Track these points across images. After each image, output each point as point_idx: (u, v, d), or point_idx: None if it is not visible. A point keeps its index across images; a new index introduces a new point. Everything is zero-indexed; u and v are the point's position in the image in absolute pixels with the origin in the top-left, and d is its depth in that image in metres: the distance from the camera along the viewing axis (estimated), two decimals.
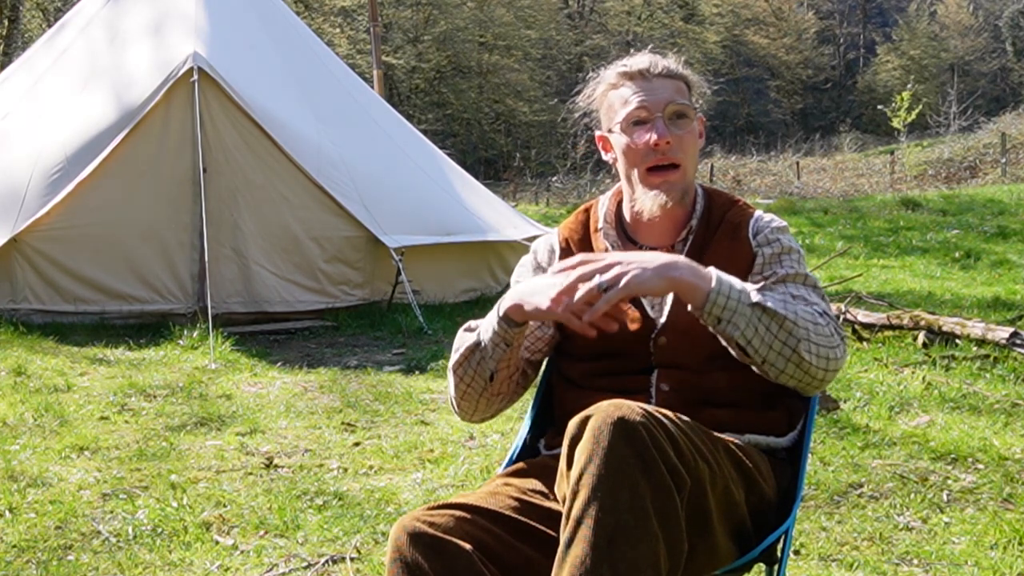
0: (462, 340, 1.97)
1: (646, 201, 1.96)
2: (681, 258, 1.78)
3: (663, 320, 1.94)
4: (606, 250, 2.03)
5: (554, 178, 27.64)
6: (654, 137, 1.92)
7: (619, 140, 1.98)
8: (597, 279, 1.71)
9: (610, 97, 2.00)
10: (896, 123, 27.17)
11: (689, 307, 1.79)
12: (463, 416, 2.03)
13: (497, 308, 1.88)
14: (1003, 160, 24.13)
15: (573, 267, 1.75)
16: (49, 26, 16.82)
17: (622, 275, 1.71)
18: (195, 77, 7.48)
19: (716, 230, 1.99)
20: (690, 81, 2.02)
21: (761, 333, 1.77)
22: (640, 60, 1.99)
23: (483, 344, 1.91)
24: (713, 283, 1.75)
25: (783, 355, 1.78)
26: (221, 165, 7.60)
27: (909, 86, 29.09)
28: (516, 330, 1.87)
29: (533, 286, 1.83)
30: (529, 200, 24.89)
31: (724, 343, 1.82)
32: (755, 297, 1.77)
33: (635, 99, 1.95)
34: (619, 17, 42.85)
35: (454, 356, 1.97)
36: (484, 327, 1.92)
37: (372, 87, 10.75)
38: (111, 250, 7.45)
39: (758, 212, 2.04)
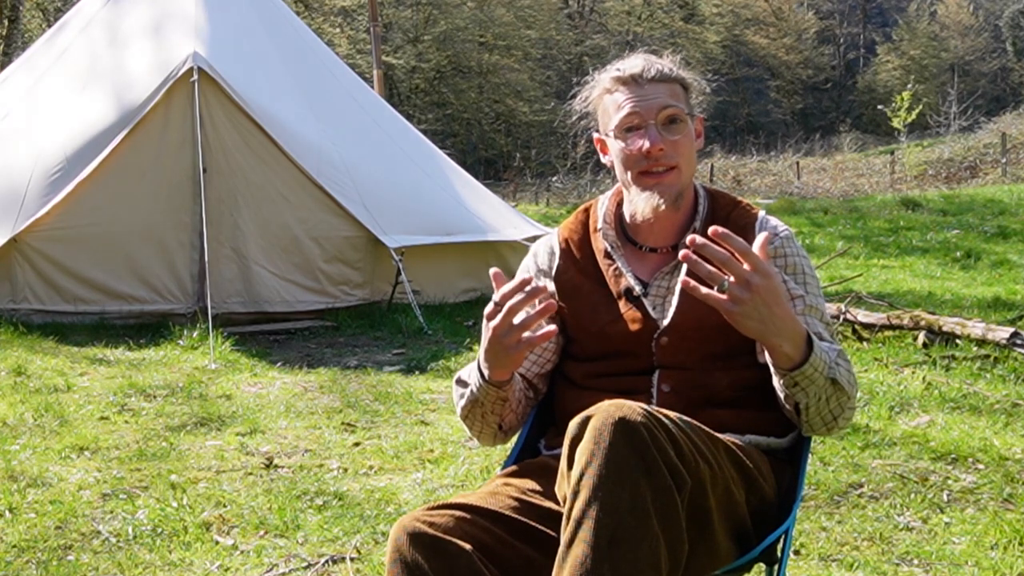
0: (458, 395, 2.00)
1: (640, 203, 1.96)
2: (794, 326, 1.72)
3: (666, 321, 1.93)
4: (605, 251, 2.03)
5: (554, 178, 27.63)
6: (647, 144, 1.92)
7: (614, 145, 1.99)
8: (725, 280, 1.66)
9: (605, 101, 2.00)
10: (896, 123, 27.17)
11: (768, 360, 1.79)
12: (484, 445, 2.11)
13: (479, 371, 1.90)
14: (1003, 160, 24.13)
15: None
16: (49, 26, 16.81)
17: (742, 299, 1.65)
18: (195, 77, 7.48)
19: None
20: (686, 83, 2.01)
21: (821, 402, 1.81)
22: (634, 64, 1.98)
23: (480, 401, 1.94)
24: (811, 356, 1.74)
25: (824, 420, 1.84)
26: (221, 165, 7.60)
27: (909, 86, 29.09)
28: (507, 386, 1.91)
29: (487, 353, 1.83)
30: (529, 200, 24.88)
31: (778, 390, 1.84)
32: (834, 371, 1.79)
33: (628, 105, 1.95)
34: (619, 17, 42.83)
35: (457, 409, 2.01)
36: (474, 384, 1.93)
37: (372, 87, 10.75)
38: (111, 250, 7.45)
39: (762, 214, 2.03)
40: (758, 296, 1.66)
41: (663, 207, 1.94)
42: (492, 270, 1.83)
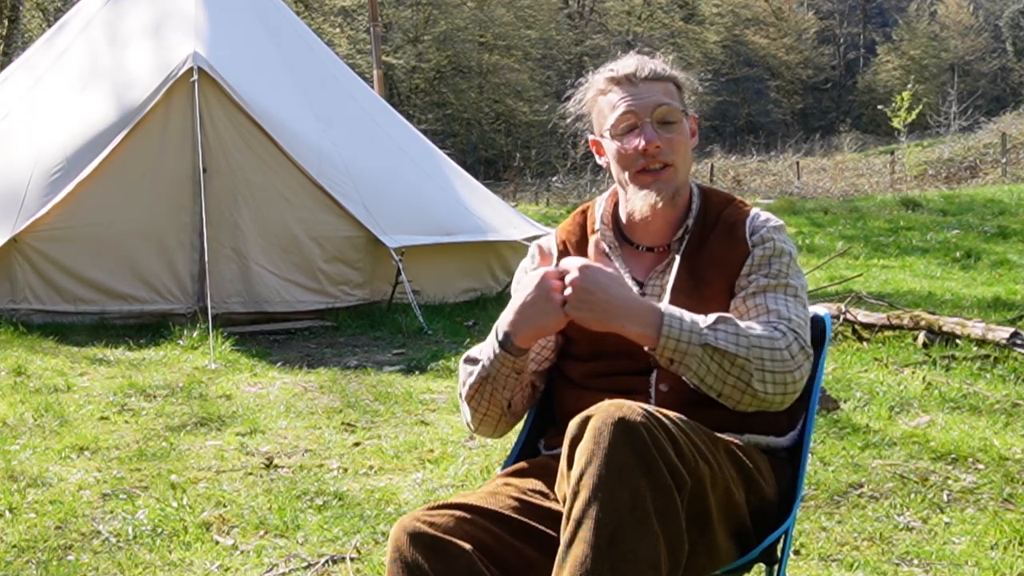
0: (467, 373, 1.96)
1: (637, 201, 1.97)
2: (631, 306, 1.79)
3: None
4: (604, 252, 2.03)
5: (554, 178, 27.63)
6: (642, 142, 1.93)
7: (610, 145, 2.00)
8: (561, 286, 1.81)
9: (599, 103, 2.01)
10: (896, 123, 27.16)
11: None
12: (482, 436, 2.08)
13: (496, 339, 1.87)
14: (1003, 160, 24.14)
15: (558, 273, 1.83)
16: (49, 26, 16.81)
17: (567, 299, 1.78)
18: (195, 77, 7.48)
19: (712, 229, 2.00)
20: (679, 81, 2.02)
21: (714, 371, 1.79)
22: (627, 64, 1.99)
23: (492, 376, 1.91)
24: (663, 329, 1.77)
25: (737, 388, 1.80)
26: (221, 165, 7.60)
27: (909, 86, 29.08)
28: (524, 357, 1.89)
29: (526, 308, 1.83)
30: (529, 200, 24.88)
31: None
32: (706, 337, 1.78)
33: (623, 104, 1.96)
34: (619, 17, 42.83)
35: (463, 388, 1.97)
36: (487, 359, 1.91)
37: (372, 87, 10.75)
38: (111, 250, 7.45)
39: (755, 210, 2.04)
40: (576, 289, 1.77)
41: (660, 204, 1.95)
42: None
